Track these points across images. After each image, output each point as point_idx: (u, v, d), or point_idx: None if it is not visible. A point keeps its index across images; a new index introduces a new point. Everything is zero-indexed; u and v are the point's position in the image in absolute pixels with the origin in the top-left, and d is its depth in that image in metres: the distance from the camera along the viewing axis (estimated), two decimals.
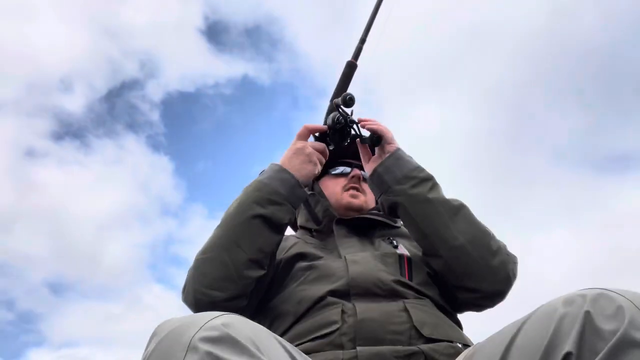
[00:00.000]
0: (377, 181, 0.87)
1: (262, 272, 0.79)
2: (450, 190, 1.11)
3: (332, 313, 0.74)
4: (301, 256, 0.87)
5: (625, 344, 0.43)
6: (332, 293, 0.77)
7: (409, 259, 0.85)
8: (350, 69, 0.94)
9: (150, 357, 0.47)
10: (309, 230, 1.03)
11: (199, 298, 0.76)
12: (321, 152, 0.89)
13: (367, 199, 1.02)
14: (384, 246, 0.89)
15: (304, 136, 0.89)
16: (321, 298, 0.77)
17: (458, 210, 0.82)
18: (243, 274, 0.76)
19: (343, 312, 0.73)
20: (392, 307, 0.74)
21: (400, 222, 0.99)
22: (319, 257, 0.86)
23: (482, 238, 0.80)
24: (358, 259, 0.82)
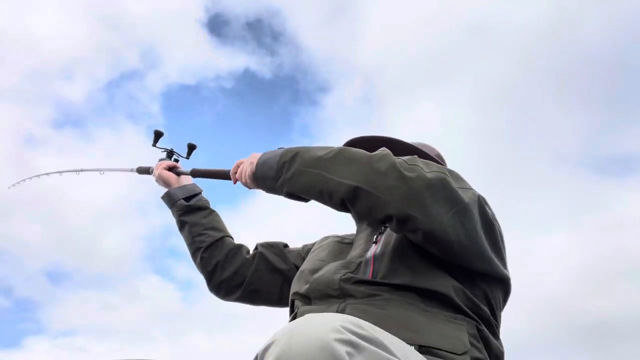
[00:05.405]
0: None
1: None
2: None
3: (292, 318, 0.73)
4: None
5: None
6: (296, 295, 0.76)
7: (376, 253, 0.72)
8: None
9: None
10: None
11: None
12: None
13: None
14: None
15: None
16: (292, 301, 0.78)
17: (335, 158, 0.69)
18: None
19: (295, 318, 0.69)
20: (329, 310, 0.65)
21: None
22: (323, 258, 0.80)
23: (366, 167, 0.66)
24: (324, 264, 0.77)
